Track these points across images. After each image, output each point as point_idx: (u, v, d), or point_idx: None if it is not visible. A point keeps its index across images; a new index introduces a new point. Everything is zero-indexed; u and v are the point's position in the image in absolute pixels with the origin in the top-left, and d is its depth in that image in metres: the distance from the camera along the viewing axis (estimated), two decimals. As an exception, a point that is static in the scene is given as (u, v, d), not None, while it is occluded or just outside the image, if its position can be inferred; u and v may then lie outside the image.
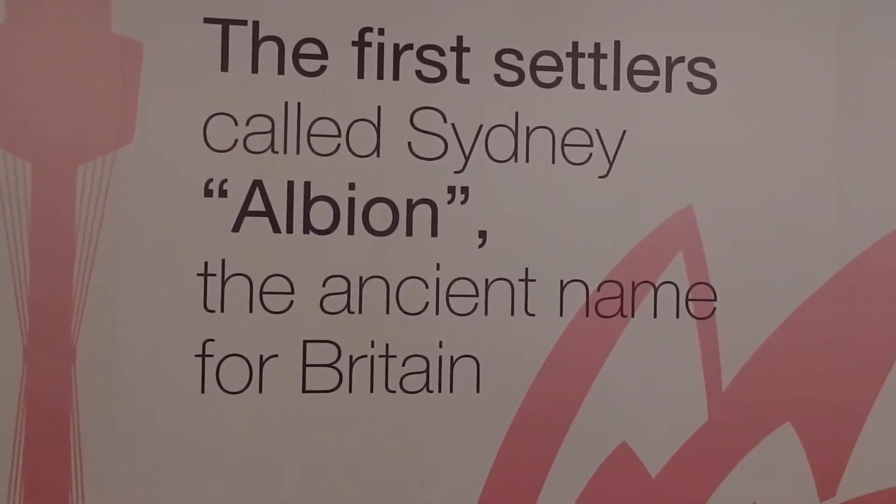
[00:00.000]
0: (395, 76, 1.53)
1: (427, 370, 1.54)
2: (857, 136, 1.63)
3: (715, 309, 1.60)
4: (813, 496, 1.64)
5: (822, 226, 1.63)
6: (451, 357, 1.54)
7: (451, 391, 1.54)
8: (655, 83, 1.60)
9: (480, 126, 1.55)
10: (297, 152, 1.51)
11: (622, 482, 1.58)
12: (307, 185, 1.51)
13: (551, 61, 1.57)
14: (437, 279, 1.54)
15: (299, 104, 1.51)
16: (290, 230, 1.50)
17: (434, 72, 1.54)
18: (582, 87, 1.58)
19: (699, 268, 1.60)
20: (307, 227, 1.51)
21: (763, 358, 1.61)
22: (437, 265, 1.54)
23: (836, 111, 1.63)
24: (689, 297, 1.60)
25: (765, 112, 1.61)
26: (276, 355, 1.50)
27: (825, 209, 1.62)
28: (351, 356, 1.52)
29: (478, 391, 1.55)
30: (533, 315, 1.56)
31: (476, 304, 1.55)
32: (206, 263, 1.48)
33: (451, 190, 1.54)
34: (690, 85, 1.60)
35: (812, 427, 1.62)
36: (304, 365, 1.51)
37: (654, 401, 1.59)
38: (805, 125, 1.62)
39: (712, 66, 1.61)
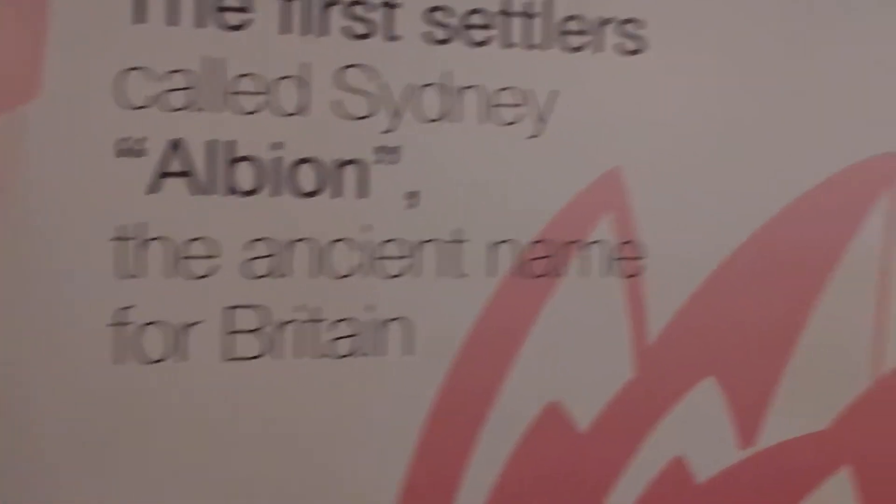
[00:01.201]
0: (323, 32, 1.37)
1: (357, 334, 1.40)
2: (791, 99, 1.54)
3: (642, 267, 1.50)
4: (734, 447, 1.57)
5: (748, 185, 1.53)
6: (382, 320, 1.41)
7: (381, 354, 1.41)
8: (586, 43, 1.47)
9: (411, 85, 1.41)
10: (220, 110, 1.34)
11: (552, 439, 1.49)
12: (230, 144, 1.34)
13: (482, 19, 1.43)
14: (367, 241, 1.40)
15: (221, 59, 1.33)
16: (212, 191, 1.34)
17: (363, 28, 1.39)
18: (513, 46, 1.44)
19: (628, 227, 1.50)
20: (231, 189, 1.35)
21: (688, 314, 1.52)
22: (367, 227, 1.39)
23: (767, 71, 1.53)
24: (618, 255, 1.50)
25: (696, 74, 1.51)
26: (200, 322, 1.34)
27: (752, 168, 1.53)
28: (278, 321, 1.37)
29: (409, 354, 1.42)
30: (465, 276, 1.43)
31: (407, 266, 1.41)
32: (121, 227, 1.31)
33: (381, 150, 1.40)
34: (621, 46, 1.48)
35: (733, 381, 1.55)
36: (229, 331, 1.35)
37: (584, 358, 1.49)
38: (737, 88, 1.52)
39: (643, 27, 1.49)
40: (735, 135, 1.52)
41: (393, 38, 1.40)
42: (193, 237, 1.33)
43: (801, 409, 1.58)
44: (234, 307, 1.35)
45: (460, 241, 1.43)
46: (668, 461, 1.54)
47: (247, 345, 1.36)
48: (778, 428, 1.57)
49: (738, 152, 1.53)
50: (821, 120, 1.56)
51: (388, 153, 1.40)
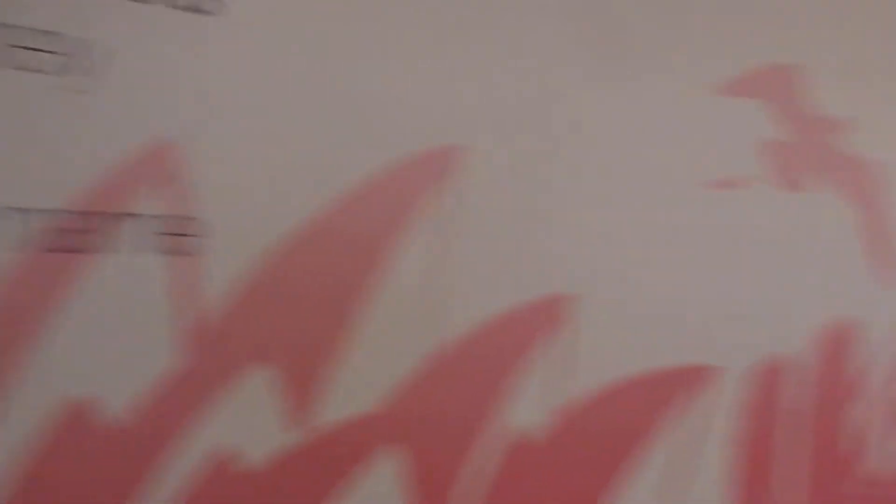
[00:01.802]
0: None
1: None
2: (369, 79, 1.48)
3: (195, 246, 1.37)
4: (284, 431, 1.49)
5: (313, 166, 1.46)
6: None
7: None
8: (151, -5, 1.29)
9: None
10: None
11: (76, 438, 1.29)
12: None
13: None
14: None
15: None
16: None
17: None
18: (58, -18, 1.22)
19: (181, 201, 1.36)
20: None
21: (241, 297, 1.42)
22: None
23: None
24: (170, 231, 1.35)
25: (273, 43, 1.40)
26: None
27: (318, 148, 1.45)
28: None
29: None
30: (-28, 250, 1.19)
31: None
32: None
33: None
34: (194, 5, 1.33)
35: (286, 364, 1.48)
36: None
37: (121, 346, 1.32)
38: (307, 60, 1.43)
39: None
40: (303, 111, 1.44)
41: None
42: None
43: (352, 390, 1.55)
44: None
45: (-32, 209, 1.19)
46: (215, 449, 1.43)
47: None
48: (329, 410, 1.54)
49: (305, 129, 1.44)
50: (389, 106, 1.52)
51: None
